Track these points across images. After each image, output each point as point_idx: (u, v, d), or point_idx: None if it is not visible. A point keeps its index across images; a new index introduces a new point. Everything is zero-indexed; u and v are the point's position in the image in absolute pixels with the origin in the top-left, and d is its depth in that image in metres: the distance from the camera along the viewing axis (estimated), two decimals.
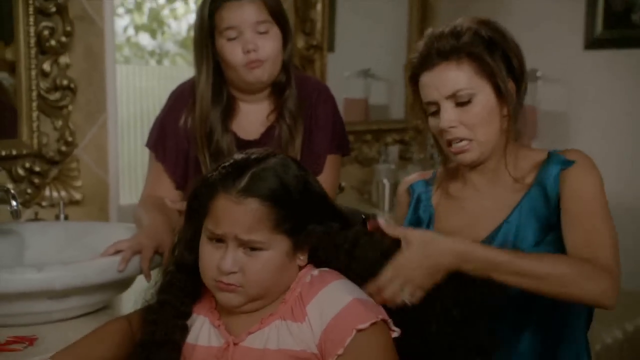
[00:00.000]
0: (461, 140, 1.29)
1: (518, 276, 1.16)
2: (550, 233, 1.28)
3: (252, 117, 1.67)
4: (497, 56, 1.29)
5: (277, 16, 1.59)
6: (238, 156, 1.17)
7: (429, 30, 1.35)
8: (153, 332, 1.17)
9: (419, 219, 1.42)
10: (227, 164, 1.16)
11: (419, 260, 1.15)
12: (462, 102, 1.27)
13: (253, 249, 1.11)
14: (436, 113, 1.30)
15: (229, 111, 1.65)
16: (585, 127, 3.03)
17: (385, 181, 2.88)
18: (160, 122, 1.70)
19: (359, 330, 1.08)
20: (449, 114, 1.27)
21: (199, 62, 1.63)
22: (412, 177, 1.50)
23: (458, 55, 1.28)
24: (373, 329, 1.09)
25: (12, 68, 1.93)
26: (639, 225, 2.82)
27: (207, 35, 1.58)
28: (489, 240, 1.31)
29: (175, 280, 1.20)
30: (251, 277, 1.11)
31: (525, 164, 1.35)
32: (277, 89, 1.65)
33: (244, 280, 1.11)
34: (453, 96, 1.28)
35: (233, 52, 1.56)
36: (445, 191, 1.42)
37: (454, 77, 1.28)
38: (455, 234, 1.31)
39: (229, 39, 1.55)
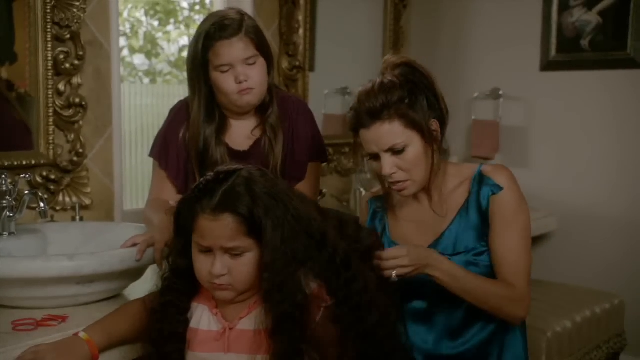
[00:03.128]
0: (399, 181, 1.49)
1: (465, 292, 1.44)
2: (483, 241, 1.51)
3: (242, 131, 1.83)
4: (420, 101, 1.46)
5: (262, 49, 1.76)
6: (209, 176, 1.29)
7: (359, 89, 1.50)
8: (161, 329, 1.33)
9: (375, 228, 1.62)
10: (201, 185, 1.28)
11: (418, 254, 1.41)
12: (398, 151, 1.46)
13: (236, 253, 1.26)
14: (376, 158, 1.49)
15: (221, 127, 1.80)
16: (542, 140, 3.19)
17: (362, 190, 2.96)
18: (163, 135, 1.86)
19: (326, 307, 1.27)
20: (388, 164, 1.47)
21: (193, 90, 1.78)
22: (369, 193, 1.70)
23: (389, 113, 1.44)
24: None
25: (10, 86, 2.03)
26: (585, 231, 3.09)
27: (200, 68, 1.74)
28: (434, 246, 1.52)
29: (173, 284, 1.36)
30: (238, 276, 1.27)
31: (455, 180, 1.55)
32: (261, 107, 1.82)
33: (233, 280, 1.27)
34: (390, 149, 1.45)
35: (226, 83, 1.72)
36: (393, 205, 1.62)
37: (387, 134, 1.44)
38: (405, 241, 1.55)
39: (222, 72, 1.72)
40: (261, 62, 1.76)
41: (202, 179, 1.31)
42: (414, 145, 1.47)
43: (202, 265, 1.28)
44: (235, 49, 1.70)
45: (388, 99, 1.44)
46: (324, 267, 1.30)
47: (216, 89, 1.76)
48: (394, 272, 1.39)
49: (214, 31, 1.70)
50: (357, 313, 1.29)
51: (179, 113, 1.85)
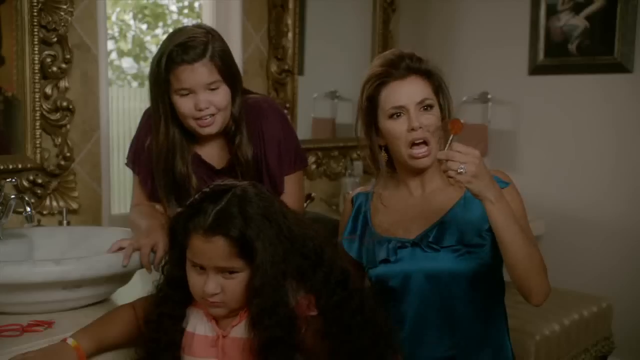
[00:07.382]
0: (423, 142, 1.49)
1: (520, 236, 1.40)
2: (482, 232, 1.49)
3: (211, 152, 1.76)
4: (445, 86, 1.57)
5: (226, 75, 1.64)
6: (203, 193, 1.28)
7: (391, 51, 1.58)
8: (158, 339, 1.32)
9: (355, 227, 1.60)
10: (194, 203, 1.27)
11: (486, 170, 1.38)
12: (426, 107, 1.51)
13: (230, 272, 1.25)
14: (398, 117, 1.50)
15: (188, 144, 1.71)
16: (530, 144, 3.21)
17: (351, 193, 3.01)
18: (135, 140, 1.81)
19: (312, 317, 1.27)
20: (417, 117, 1.50)
21: (154, 108, 1.68)
22: (357, 190, 1.69)
23: (422, 74, 1.53)
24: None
25: None
26: (573, 235, 3.10)
27: (163, 87, 1.63)
28: (423, 235, 1.51)
29: (168, 294, 1.35)
30: (231, 295, 1.26)
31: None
32: (228, 135, 1.71)
33: (226, 298, 1.27)
34: (421, 102, 1.50)
35: (185, 106, 1.63)
36: (379, 196, 1.61)
37: (423, 88, 1.52)
38: (386, 230, 1.54)
39: (182, 95, 1.62)
40: (224, 88, 1.65)
41: (197, 195, 1.29)
42: (436, 111, 1.53)
43: (196, 282, 1.28)
44: (197, 74, 1.60)
45: (424, 64, 1.55)
46: (317, 286, 1.30)
47: (176, 111, 1.67)
48: (464, 166, 1.35)
49: (176, 54, 1.59)
50: (350, 332, 1.28)
51: (150, 118, 1.77)
